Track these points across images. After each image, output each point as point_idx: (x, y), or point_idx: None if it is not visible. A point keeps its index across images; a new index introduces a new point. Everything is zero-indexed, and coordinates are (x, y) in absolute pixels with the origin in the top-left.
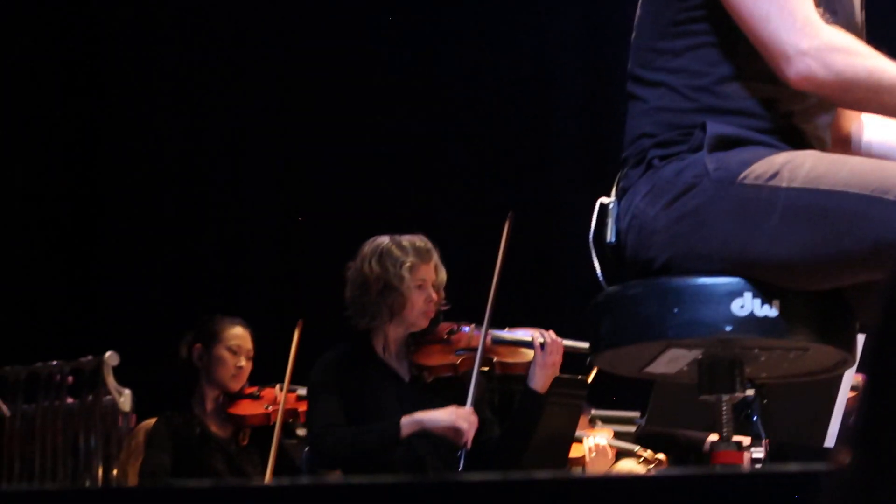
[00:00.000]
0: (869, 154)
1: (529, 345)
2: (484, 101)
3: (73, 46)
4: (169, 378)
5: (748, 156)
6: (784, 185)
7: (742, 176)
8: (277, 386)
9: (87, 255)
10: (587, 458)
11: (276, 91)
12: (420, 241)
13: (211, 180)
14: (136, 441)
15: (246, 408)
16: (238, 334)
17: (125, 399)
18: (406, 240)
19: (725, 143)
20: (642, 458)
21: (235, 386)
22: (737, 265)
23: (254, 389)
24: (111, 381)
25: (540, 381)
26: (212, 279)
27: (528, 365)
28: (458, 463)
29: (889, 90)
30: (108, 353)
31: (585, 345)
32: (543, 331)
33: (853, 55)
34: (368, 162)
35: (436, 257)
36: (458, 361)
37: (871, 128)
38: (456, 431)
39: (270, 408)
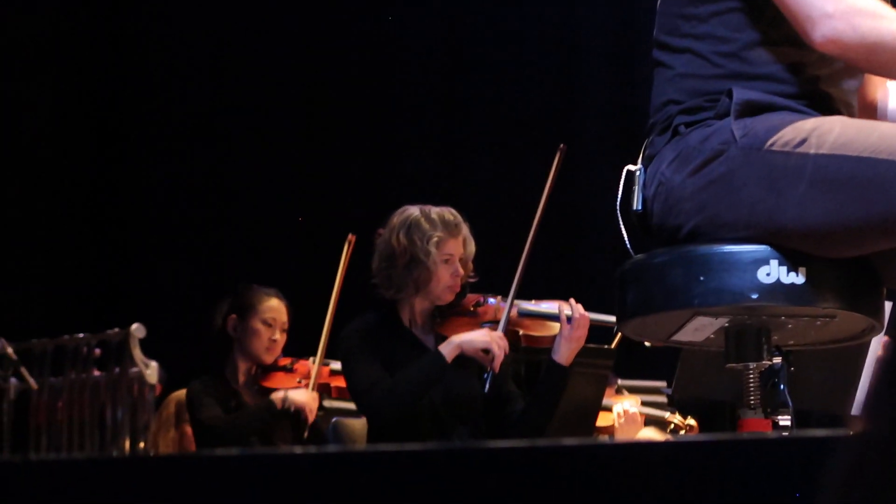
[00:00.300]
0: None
1: (556, 318)
2: (510, 69)
3: (103, 17)
4: (197, 350)
5: (776, 122)
6: (812, 151)
7: (770, 142)
8: (311, 359)
9: (113, 227)
10: (616, 425)
11: (298, 67)
12: (449, 214)
13: (240, 149)
14: (168, 412)
15: (279, 381)
16: (273, 306)
17: (152, 371)
18: (435, 212)
19: (752, 109)
20: (672, 425)
21: (269, 358)
22: (764, 232)
23: (287, 362)
24: (138, 353)
25: (565, 353)
26: (241, 251)
27: (555, 338)
28: (484, 385)
29: None
30: (134, 326)
31: (612, 318)
32: (571, 304)
33: (879, 18)
34: (396, 128)
35: (465, 231)
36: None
37: None
38: (487, 353)
39: (303, 382)
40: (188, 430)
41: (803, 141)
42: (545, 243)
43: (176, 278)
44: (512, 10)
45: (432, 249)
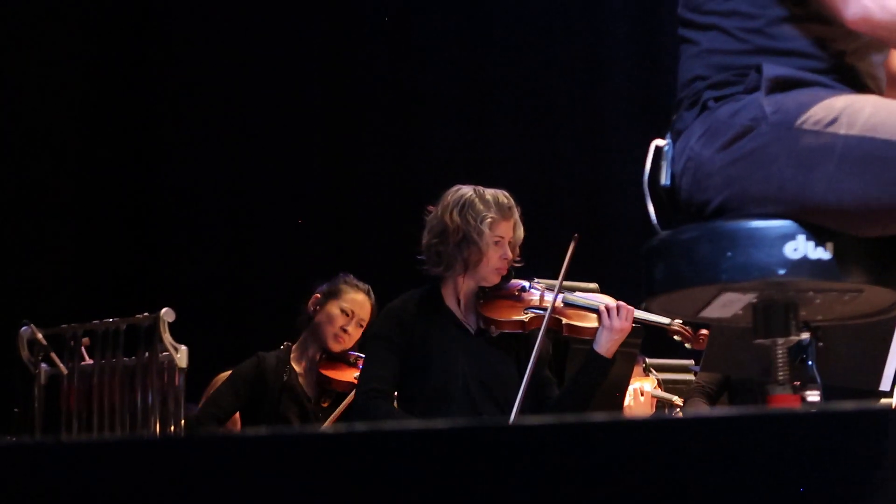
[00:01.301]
0: None
1: (596, 310)
2: (536, 50)
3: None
4: (225, 334)
5: (806, 98)
6: (843, 131)
7: (800, 120)
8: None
9: (143, 212)
10: (631, 403)
11: (319, 60)
12: (503, 196)
13: (271, 132)
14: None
15: (338, 371)
16: (357, 300)
17: (182, 355)
18: (489, 193)
19: (783, 85)
20: (678, 409)
21: (335, 347)
22: (792, 208)
23: (357, 355)
24: (167, 337)
25: (606, 344)
26: (272, 237)
27: (595, 330)
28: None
29: None
30: (164, 310)
31: (657, 318)
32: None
33: None
34: (423, 115)
35: (516, 214)
36: (527, 319)
37: None
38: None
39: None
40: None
41: (834, 120)
42: (576, 222)
43: (206, 263)
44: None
45: (485, 230)
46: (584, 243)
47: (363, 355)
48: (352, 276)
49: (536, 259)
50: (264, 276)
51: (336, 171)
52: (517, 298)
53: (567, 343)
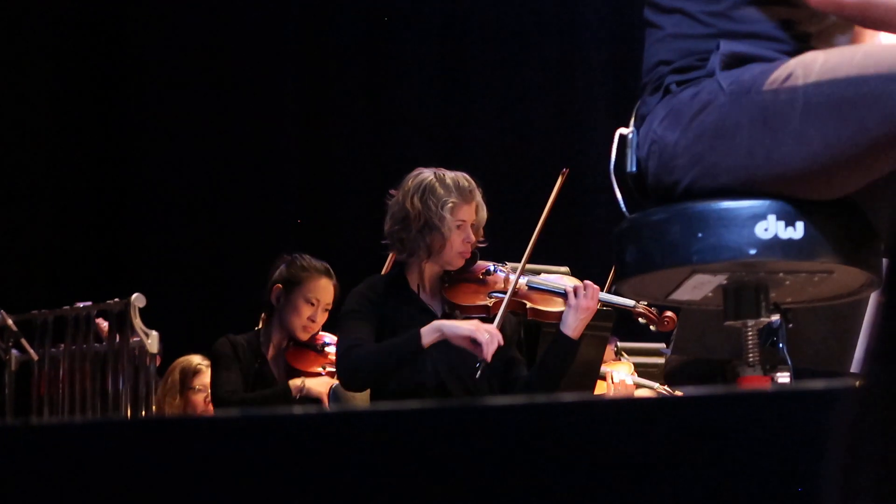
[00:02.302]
0: None
1: (562, 292)
2: (511, 38)
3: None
4: (197, 318)
5: (760, 68)
6: (800, 83)
7: (757, 85)
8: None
9: (114, 199)
10: (611, 391)
11: (301, 50)
12: (464, 179)
13: (242, 119)
14: (173, 378)
15: (306, 362)
16: (321, 286)
17: (152, 341)
18: (450, 177)
19: (738, 60)
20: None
21: (304, 336)
22: (763, 176)
23: (323, 338)
24: (138, 322)
25: (573, 325)
26: (243, 221)
27: (559, 314)
28: (475, 373)
29: None
30: (134, 295)
31: (622, 300)
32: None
33: None
34: (398, 97)
35: (478, 196)
36: (491, 304)
37: None
38: (475, 343)
39: (328, 368)
40: (192, 397)
41: (789, 76)
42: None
43: (177, 248)
44: None
45: (447, 215)
46: (557, 226)
47: (329, 337)
48: (307, 256)
49: (509, 243)
50: (235, 261)
51: (308, 155)
52: (482, 282)
53: (538, 326)
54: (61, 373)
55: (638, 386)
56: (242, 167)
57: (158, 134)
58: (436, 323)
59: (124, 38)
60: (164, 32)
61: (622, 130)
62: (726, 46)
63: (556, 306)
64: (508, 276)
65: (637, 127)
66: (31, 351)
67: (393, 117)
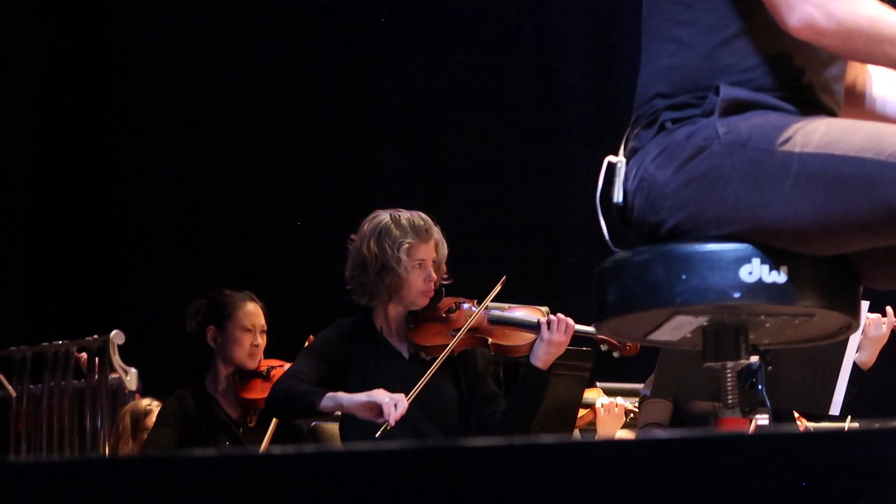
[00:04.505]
0: (873, 109)
1: (530, 325)
2: (489, 66)
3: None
4: (177, 358)
5: (760, 120)
6: (797, 150)
7: (754, 140)
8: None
9: (92, 235)
10: (600, 415)
11: (278, 68)
12: (419, 218)
13: (216, 156)
14: (124, 424)
15: (256, 391)
16: (250, 311)
17: (131, 378)
18: (405, 217)
19: (738, 107)
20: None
21: (252, 364)
22: (748, 229)
23: (265, 367)
24: (117, 359)
25: (543, 358)
26: (220, 255)
27: (525, 347)
28: (377, 432)
29: (890, 39)
30: (113, 332)
31: (583, 327)
32: (553, 316)
33: (854, 2)
34: (375, 130)
35: (436, 234)
36: (452, 342)
37: (878, 82)
38: (373, 409)
39: None
40: (145, 438)
41: (788, 139)
42: (526, 243)
43: (155, 285)
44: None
45: (403, 256)
46: (537, 264)
47: (275, 363)
48: (224, 290)
49: (488, 279)
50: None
51: (288, 191)
52: (445, 320)
53: (517, 363)
54: (40, 410)
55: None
56: (221, 203)
57: (136, 169)
58: (338, 394)
59: (105, 63)
60: (141, 64)
61: (611, 158)
62: (726, 91)
63: (520, 340)
64: (472, 310)
65: (627, 158)
66: (10, 387)
67: (371, 152)
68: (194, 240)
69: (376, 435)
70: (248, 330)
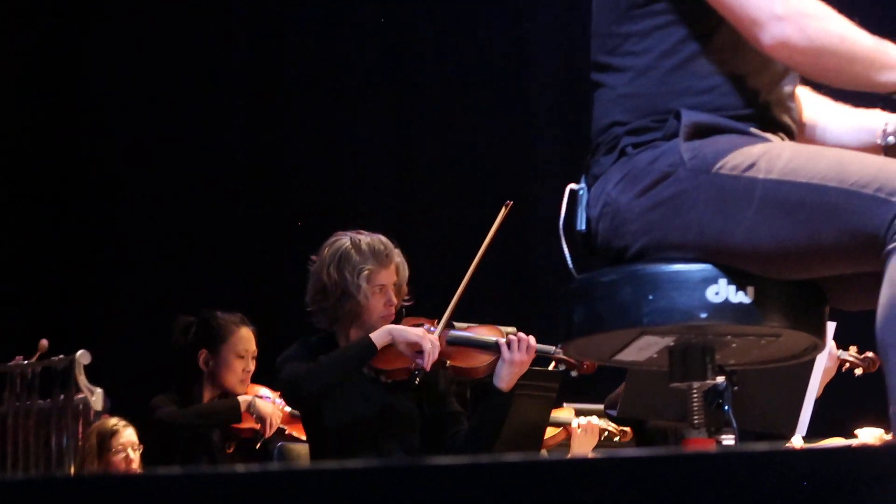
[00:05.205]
0: (812, 137)
1: (489, 346)
2: (459, 89)
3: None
4: (154, 374)
5: (724, 145)
6: (761, 176)
7: (718, 165)
8: (274, 399)
9: (58, 255)
10: (575, 434)
11: (254, 85)
12: (380, 243)
13: (185, 176)
14: (90, 444)
15: (241, 419)
16: (244, 337)
17: (97, 398)
18: (366, 242)
19: (700, 131)
20: (606, 433)
21: (242, 389)
22: (712, 254)
23: (254, 392)
24: (83, 379)
25: (505, 378)
26: (188, 274)
27: (485, 368)
28: (413, 380)
29: (861, 59)
30: (79, 352)
31: (540, 346)
32: (514, 336)
33: (826, 21)
34: (346, 152)
35: (396, 258)
36: (412, 365)
37: (814, 109)
38: (419, 351)
39: (259, 425)
40: (112, 458)
41: (752, 165)
42: (493, 266)
43: (123, 304)
44: (463, 29)
45: (363, 283)
46: (508, 286)
47: (263, 390)
48: (217, 311)
49: (460, 306)
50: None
51: (255, 210)
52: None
53: (483, 384)
54: (5, 429)
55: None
56: (191, 223)
57: (104, 188)
58: (387, 327)
59: (80, 72)
60: (118, 71)
61: (573, 186)
62: (688, 116)
63: (479, 362)
64: (431, 331)
65: (588, 185)
66: None
67: (342, 173)
68: (162, 259)
69: (416, 382)
70: (242, 356)
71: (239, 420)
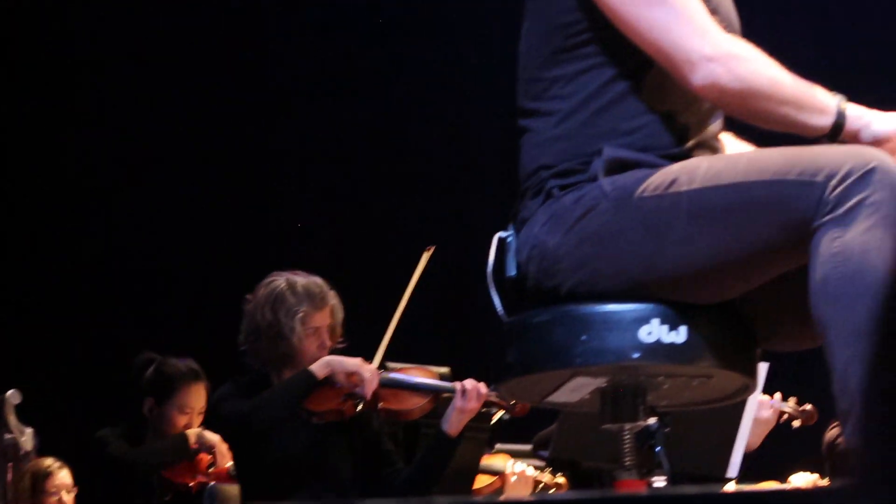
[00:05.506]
0: None
1: (422, 387)
2: (398, 135)
3: None
4: (74, 417)
5: (643, 174)
6: (684, 188)
7: (640, 190)
8: (215, 450)
9: None
10: (509, 482)
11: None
12: (315, 285)
13: (114, 214)
14: (23, 485)
15: (177, 473)
16: (192, 393)
17: (27, 438)
18: (301, 284)
19: (621, 166)
20: (542, 483)
21: None
22: (647, 280)
23: (197, 445)
24: (13, 419)
25: (454, 424)
26: (116, 313)
27: (418, 410)
28: (356, 407)
29: (790, 102)
30: (9, 392)
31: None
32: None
33: (756, 63)
34: (282, 194)
35: (331, 300)
36: (345, 407)
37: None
38: (359, 378)
39: (198, 478)
40: (46, 500)
41: (673, 181)
42: (427, 307)
43: (53, 344)
44: (403, 75)
45: (297, 325)
46: (444, 328)
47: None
48: (172, 359)
49: (395, 346)
50: (113, 356)
51: (191, 258)
52: (337, 385)
53: (417, 425)
54: None
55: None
56: (123, 261)
57: (32, 223)
58: (325, 358)
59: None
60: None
61: (501, 234)
62: (609, 152)
63: (412, 404)
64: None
65: (517, 231)
66: None
67: (278, 214)
68: (94, 298)
69: (357, 409)
70: (186, 413)
71: (188, 453)
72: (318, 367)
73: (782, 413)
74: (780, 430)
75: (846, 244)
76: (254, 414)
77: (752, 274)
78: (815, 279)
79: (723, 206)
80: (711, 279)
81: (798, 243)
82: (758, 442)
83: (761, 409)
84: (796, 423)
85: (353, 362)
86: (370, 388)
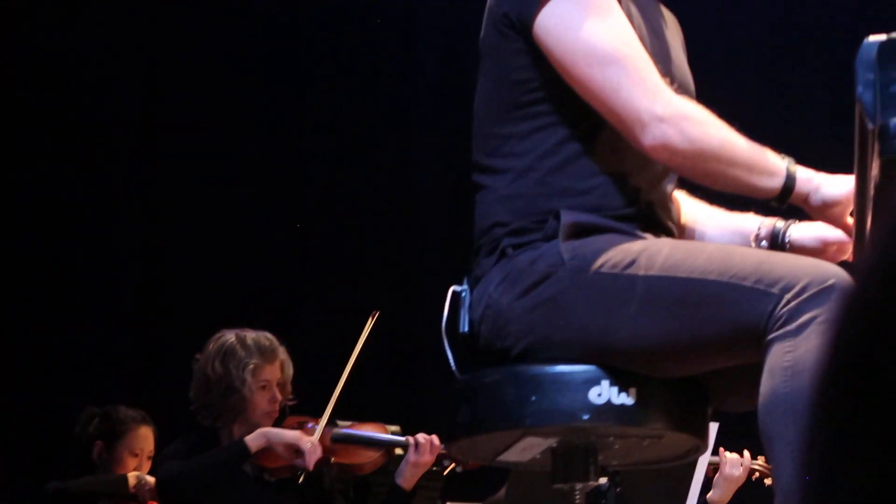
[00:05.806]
0: (700, 240)
1: (374, 442)
2: (346, 189)
3: None
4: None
5: (603, 244)
6: (641, 273)
7: (598, 264)
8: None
9: None
10: None
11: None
12: (265, 339)
13: (72, 246)
14: None
15: None
16: (141, 435)
17: None
18: (251, 338)
19: (579, 231)
20: None
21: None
22: (595, 353)
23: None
24: None
25: (408, 478)
26: (68, 359)
27: (370, 465)
28: (298, 478)
29: (740, 164)
30: None
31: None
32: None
33: (707, 125)
34: (229, 251)
35: (281, 354)
36: (293, 463)
37: (693, 212)
38: (298, 452)
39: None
40: None
41: (632, 262)
42: (378, 365)
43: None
44: (347, 122)
45: (248, 378)
46: (394, 387)
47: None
48: (121, 407)
49: (345, 406)
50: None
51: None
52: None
53: (367, 479)
54: None
55: None
56: (72, 299)
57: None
58: (262, 430)
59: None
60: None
61: (455, 288)
62: (567, 217)
63: (364, 458)
64: (314, 429)
65: (471, 287)
66: None
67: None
68: (40, 340)
69: (300, 481)
70: (136, 455)
71: (126, 493)
72: (253, 440)
73: (753, 471)
74: (751, 486)
75: (797, 359)
76: (182, 480)
77: (696, 363)
78: (763, 391)
79: (676, 298)
80: (658, 361)
81: (745, 346)
82: (726, 499)
83: (732, 467)
84: (768, 482)
85: (292, 435)
86: (312, 459)
